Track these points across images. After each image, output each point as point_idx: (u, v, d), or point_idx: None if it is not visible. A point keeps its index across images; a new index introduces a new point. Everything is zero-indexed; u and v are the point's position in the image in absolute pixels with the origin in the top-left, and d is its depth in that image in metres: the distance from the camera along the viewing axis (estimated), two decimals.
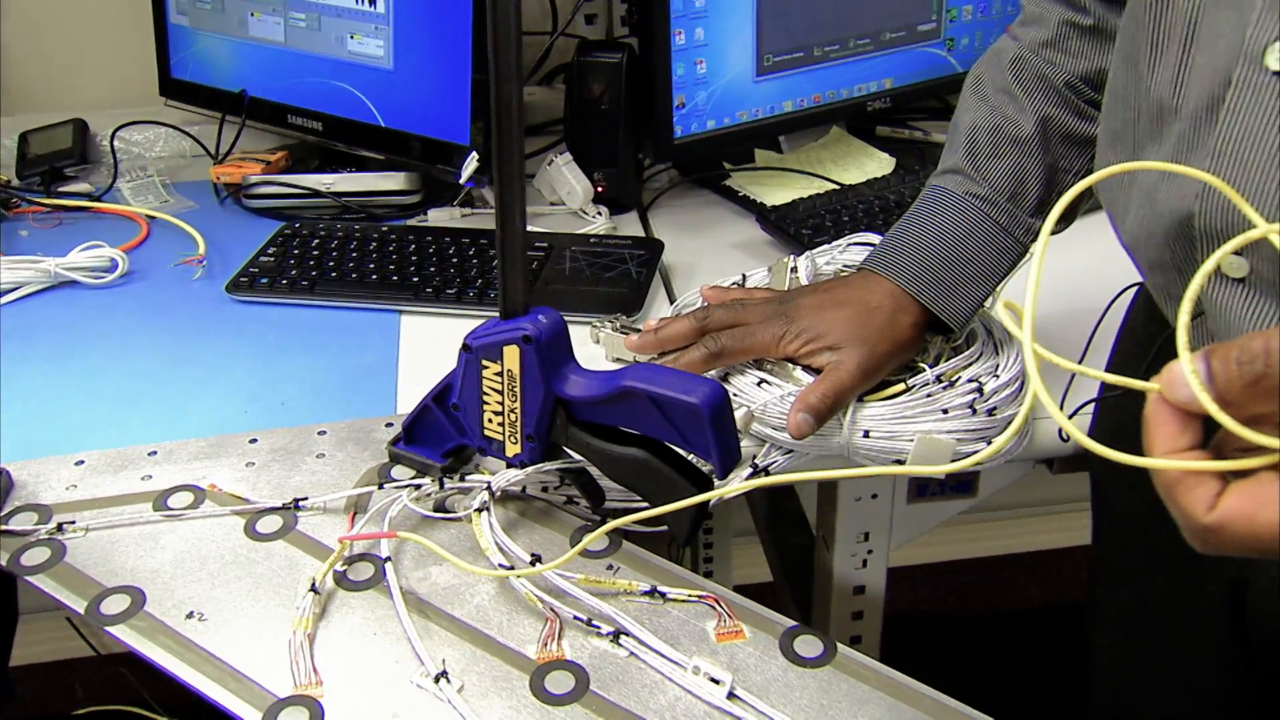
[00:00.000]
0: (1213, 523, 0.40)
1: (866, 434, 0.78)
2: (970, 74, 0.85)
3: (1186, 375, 0.40)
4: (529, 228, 1.16)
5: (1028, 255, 0.84)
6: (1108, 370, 0.83)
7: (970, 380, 0.81)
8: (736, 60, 1.18)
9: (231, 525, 0.73)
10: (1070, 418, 0.84)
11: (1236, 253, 0.57)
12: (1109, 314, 0.85)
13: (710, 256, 1.11)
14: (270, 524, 0.72)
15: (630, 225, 1.20)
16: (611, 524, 0.63)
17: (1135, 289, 0.82)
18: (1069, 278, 0.90)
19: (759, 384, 0.81)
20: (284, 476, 0.77)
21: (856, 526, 0.99)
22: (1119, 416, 0.80)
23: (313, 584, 0.66)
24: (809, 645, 0.63)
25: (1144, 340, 0.78)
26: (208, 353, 0.98)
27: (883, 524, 0.98)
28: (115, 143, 1.33)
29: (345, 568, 0.68)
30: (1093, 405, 0.82)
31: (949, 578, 2.01)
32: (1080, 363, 0.84)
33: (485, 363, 0.70)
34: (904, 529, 0.99)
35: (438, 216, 1.22)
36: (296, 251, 1.11)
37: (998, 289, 0.83)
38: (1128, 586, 0.83)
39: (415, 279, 1.06)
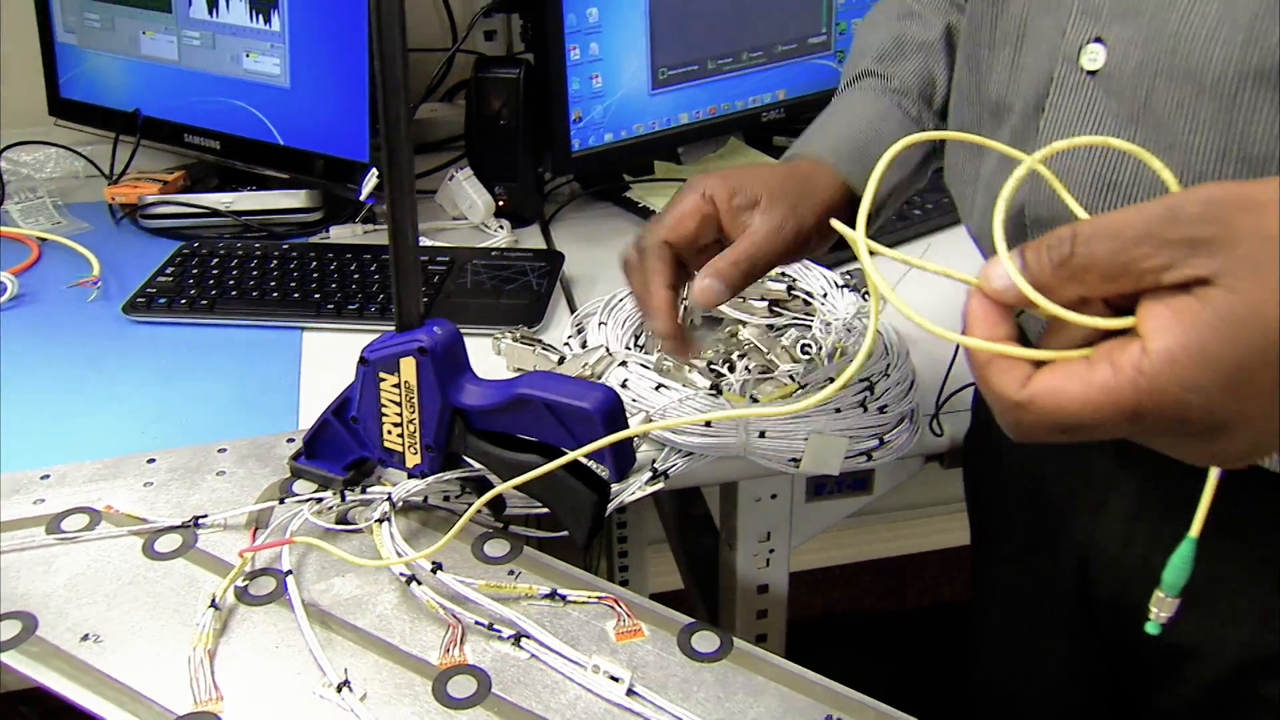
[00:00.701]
0: (1024, 399, 0.41)
1: (762, 434, 0.80)
2: (865, 18, 0.85)
3: (1004, 263, 0.42)
4: (431, 242, 1.18)
5: (935, 162, 0.81)
6: None
7: (861, 380, 0.84)
8: (632, 74, 1.20)
9: (129, 546, 0.72)
10: (942, 408, 0.87)
11: None
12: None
13: (610, 267, 1.12)
14: (169, 543, 0.72)
15: (532, 238, 1.21)
16: (479, 502, 0.65)
17: None
18: (943, 280, 0.94)
19: (656, 388, 0.82)
20: (183, 495, 0.77)
21: (758, 527, 1.01)
22: None
23: (213, 600, 0.66)
24: (706, 641, 0.65)
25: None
26: (104, 375, 0.96)
27: (783, 524, 1.01)
28: (2, 164, 1.30)
29: (246, 583, 0.68)
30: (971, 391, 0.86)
31: (863, 579, 2.05)
32: (952, 361, 0.87)
33: (383, 375, 0.70)
34: (804, 528, 1.01)
35: (339, 233, 1.22)
36: (195, 271, 1.10)
37: (911, 190, 0.81)
38: (997, 574, 0.87)
39: (317, 295, 1.06)
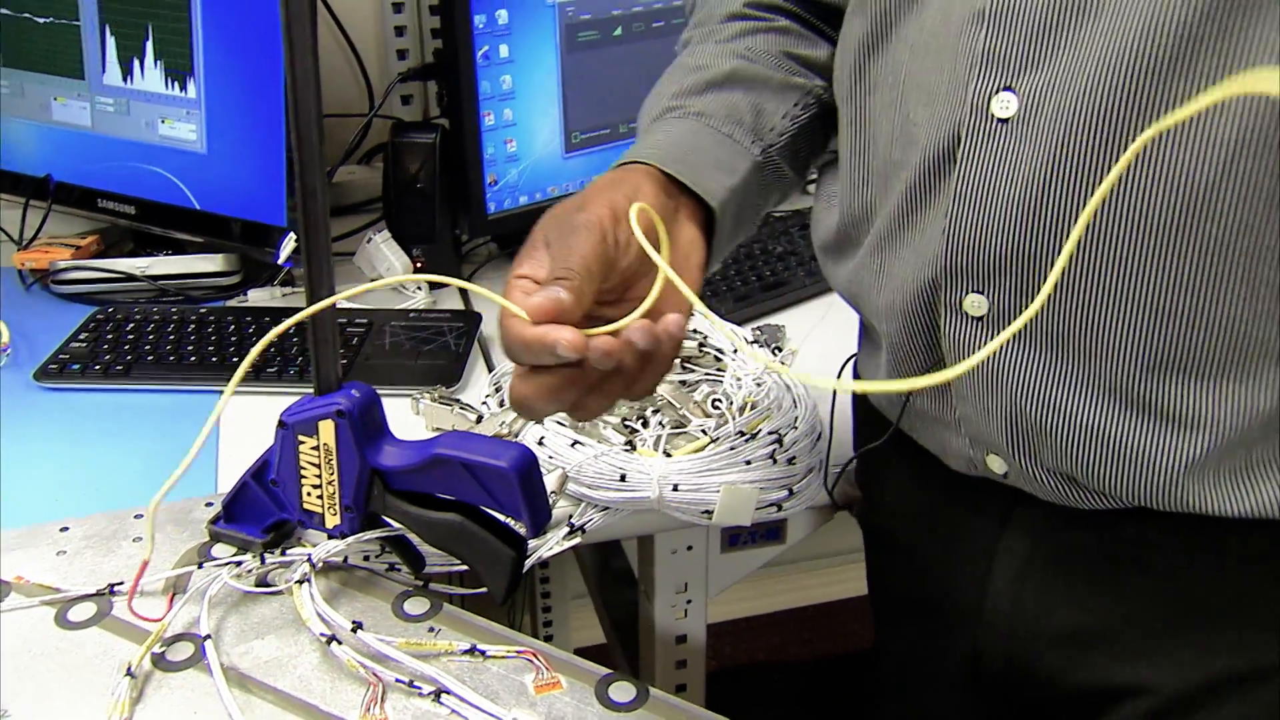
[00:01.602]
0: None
1: (676, 487, 0.83)
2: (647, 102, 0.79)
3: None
4: (349, 305, 1.19)
5: (779, 185, 0.77)
6: (857, 445, 0.88)
7: (770, 433, 0.87)
8: (545, 138, 1.23)
9: (40, 616, 0.71)
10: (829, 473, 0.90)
11: (977, 291, 0.62)
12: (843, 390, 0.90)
13: None
14: (83, 612, 0.72)
15: (450, 299, 1.23)
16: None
17: (852, 360, 0.86)
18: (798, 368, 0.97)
19: (572, 445, 0.85)
20: (98, 563, 0.76)
21: (675, 578, 1.03)
22: (875, 480, 0.88)
23: (128, 668, 0.66)
24: (623, 691, 0.67)
25: (881, 404, 0.79)
26: (16, 443, 0.95)
27: (699, 575, 1.03)
28: None
29: (164, 649, 0.68)
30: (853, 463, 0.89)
31: (785, 627, 2.08)
32: (831, 438, 0.90)
33: (301, 438, 0.71)
34: (720, 578, 1.04)
35: (258, 296, 1.22)
36: (110, 336, 1.09)
37: (758, 217, 0.77)
38: (894, 633, 0.89)
39: (235, 359, 1.06)
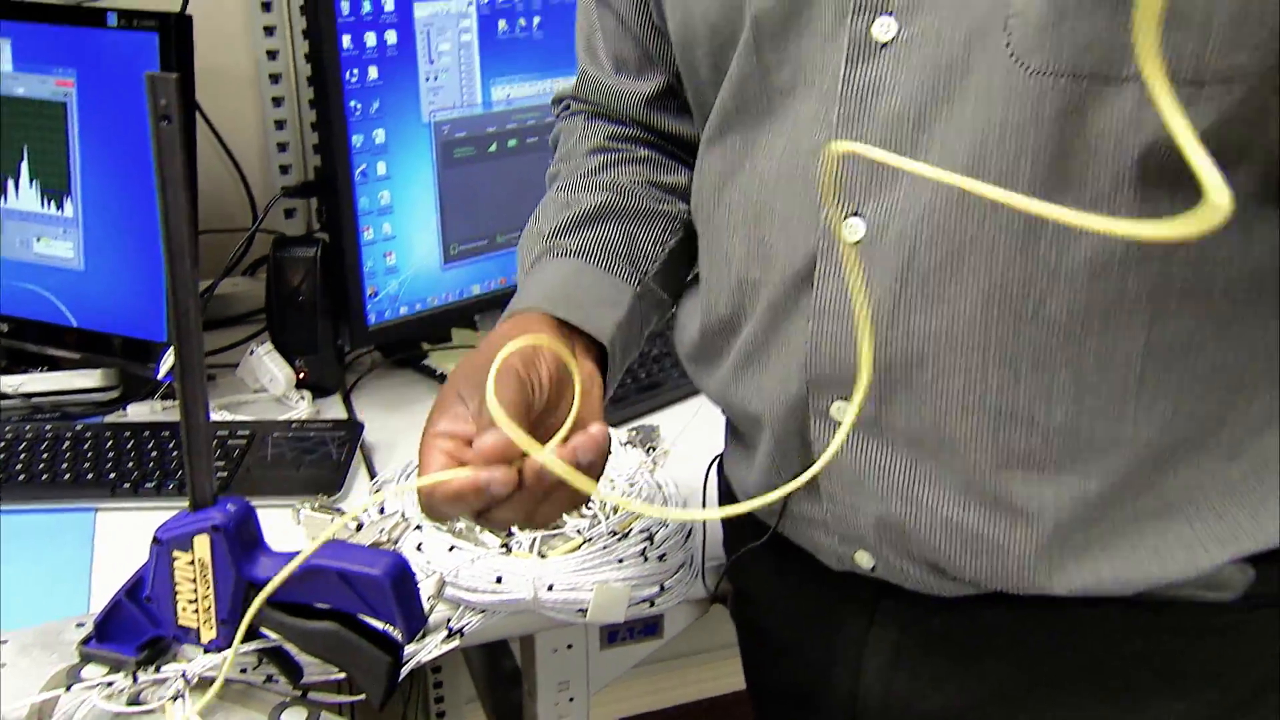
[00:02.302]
0: None
1: (551, 587, 0.86)
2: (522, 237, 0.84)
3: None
4: (232, 416, 1.20)
5: (657, 309, 0.83)
6: (726, 541, 0.92)
7: (642, 531, 0.91)
8: (424, 251, 1.27)
9: None
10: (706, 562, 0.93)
11: (843, 398, 0.67)
12: (711, 485, 0.94)
13: (411, 433, 1.14)
14: None
15: (334, 408, 1.25)
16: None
17: (717, 460, 0.91)
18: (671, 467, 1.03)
19: (450, 549, 0.87)
20: None
21: (556, 676, 1.05)
22: (746, 575, 0.91)
23: None
24: None
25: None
26: None
27: (580, 672, 1.05)
28: None
29: None
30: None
31: None
32: (705, 533, 0.94)
33: (177, 554, 0.72)
34: (601, 674, 1.06)
35: (137, 411, 1.22)
36: None
37: (642, 337, 0.82)
38: (768, 715, 0.92)
39: (112, 475, 1.06)
